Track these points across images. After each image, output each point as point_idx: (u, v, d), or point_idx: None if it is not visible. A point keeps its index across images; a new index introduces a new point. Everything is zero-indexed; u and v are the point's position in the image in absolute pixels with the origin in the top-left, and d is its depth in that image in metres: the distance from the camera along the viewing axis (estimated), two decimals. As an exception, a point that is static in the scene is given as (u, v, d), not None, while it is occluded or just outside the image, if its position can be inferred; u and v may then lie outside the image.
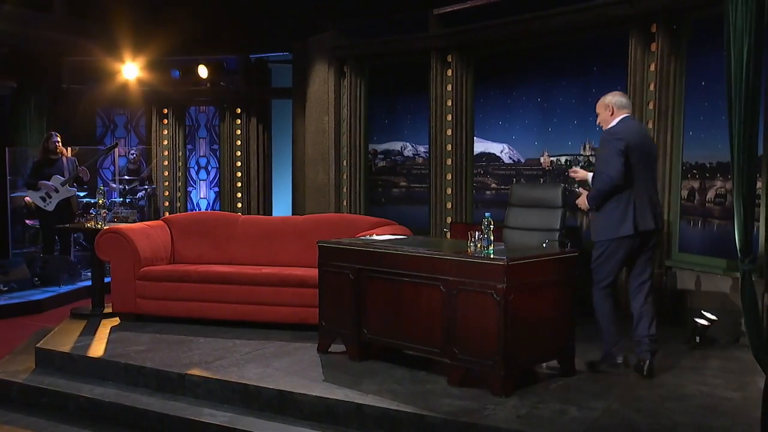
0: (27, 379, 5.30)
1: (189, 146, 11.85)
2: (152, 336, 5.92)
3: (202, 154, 11.90)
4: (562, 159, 7.63)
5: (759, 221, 5.35)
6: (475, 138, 8.44)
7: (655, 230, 4.87)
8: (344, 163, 9.43)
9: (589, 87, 7.35)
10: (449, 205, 8.54)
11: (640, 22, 6.65)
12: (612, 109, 4.93)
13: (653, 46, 6.59)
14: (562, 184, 6.68)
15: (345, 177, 9.43)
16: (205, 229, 7.04)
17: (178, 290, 6.33)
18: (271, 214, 11.35)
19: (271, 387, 4.57)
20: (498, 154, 8.30)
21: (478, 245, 4.57)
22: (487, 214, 4.71)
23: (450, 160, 8.49)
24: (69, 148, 9.41)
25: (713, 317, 5.60)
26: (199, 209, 11.77)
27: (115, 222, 7.27)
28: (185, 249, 6.95)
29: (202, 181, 11.94)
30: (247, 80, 11.41)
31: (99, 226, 6.94)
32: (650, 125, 6.60)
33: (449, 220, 8.48)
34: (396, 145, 9.34)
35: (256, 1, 10.87)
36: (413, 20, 8.70)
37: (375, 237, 5.59)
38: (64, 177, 8.75)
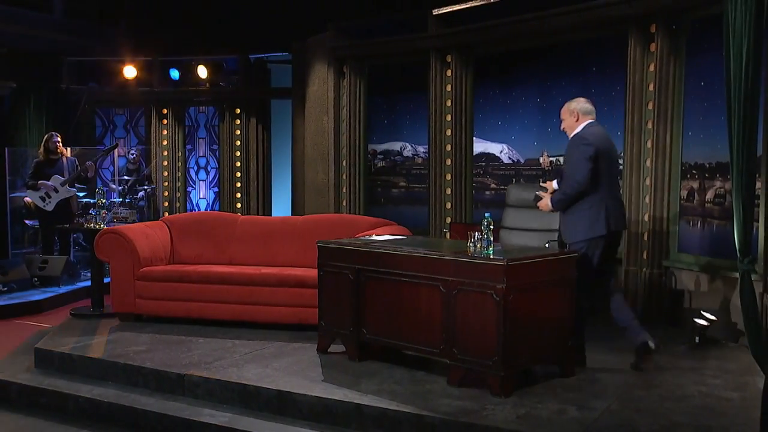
0: (26, 379, 5.29)
1: (188, 146, 11.86)
2: (151, 336, 5.92)
3: (201, 154, 11.91)
4: (562, 159, 7.62)
5: (758, 221, 5.35)
6: (474, 138, 8.44)
7: (622, 231, 5.14)
8: (344, 164, 9.43)
9: (588, 87, 7.34)
10: (449, 206, 8.54)
11: (639, 22, 6.65)
12: (577, 115, 5.06)
13: (653, 47, 6.59)
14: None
15: (344, 177, 9.43)
16: (204, 230, 7.04)
17: (177, 290, 6.33)
18: (271, 215, 11.35)
19: (270, 387, 4.57)
20: (497, 154, 8.30)
21: (478, 245, 4.57)
22: (486, 215, 4.71)
23: (449, 160, 8.49)
24: (68, 148, 9.41)
25: (713, 317, 5.60)
26: (199, 209, 11.77)
27: (114, 222, 7.26)
28: (185, 249, 6.95)
29: (201, 182, 11.95)
30: (246, 80, 11.42)
31: (98, 227, 6.95)
32: (650, 125, 6.61)
33: (449, 220, 8.48)
34: (395, 145, 9.34)
35: (255, 2, 10.87)
36: (412, 20, 8.71)
37: (374, 237, 5.59)
38: (63, 177, 8.75)
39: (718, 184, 6.09)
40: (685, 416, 4.05)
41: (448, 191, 8.53)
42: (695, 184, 6.35)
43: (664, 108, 6.50)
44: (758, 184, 5.24)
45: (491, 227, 4.65)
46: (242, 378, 4.76)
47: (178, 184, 11.71)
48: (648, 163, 6.63)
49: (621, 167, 7.00)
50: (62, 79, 11.27)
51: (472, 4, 8.02)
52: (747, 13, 3.91)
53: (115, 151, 10.84)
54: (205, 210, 11.73)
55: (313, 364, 5.09)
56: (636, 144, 6.72)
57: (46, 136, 8.98)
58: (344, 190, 9.44)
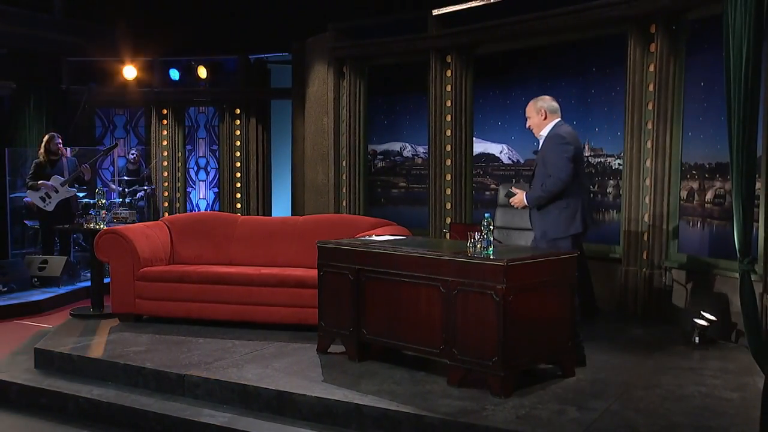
0: (26, 379, 5.29)
1: (188, 147, 11.86)
2: (151, 336, 5.92)
3: (201, 154, 11.91)
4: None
5: (758, 222, 5.35)
6: (474, 138, 8.44)
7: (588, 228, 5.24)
8: (343, 164, 9.44)
9: (588, 87, 7.36)
10: (448, 206, 8.54)
11: (639, 22, 6.66)
12: (545, 114, 5.16)
13: (652, 47, 6.59)
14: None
15: (344, 177, 9.43)
16: (204, 230, 7.03)
17: (177, 291, 6.33)
18: (271, 215, 11.36)
19: (270, 387, 4.57)
20: (497, 154, 8.30)
21: (478, 246, 4.57)
22: (486, 215, 4.71)
23: (449, 160, 8.50)
24: (69, 149, 9.40)
25: (712, 317, 5.61)
26: (199, 210, 11.78)
27: (114, 223, 7.26)
28: (184, 249, 6.95)
29: (201, 182, 11.95)
30: (246, 81, 11.43)
31: (98, 227, 6.95)
32: (649, 126, 6.61)
33: (449, 220, 8.48)
34: (395, 146, 9.34)
35: (255, 2, 10.88)
36: (412, 21, 8.71)
37: (374, 237, 5.59)
38: (64, 177, 8.75)
39: (717, 184, 6.09)
40: (685, 416, 4.05)
41: (448, 191, 8.53)
42: (695, 185, 6.35)
43: (664, 108, 6.50)
44: (758, 185, 5.24)
45: (491, 227, 4.66)
46: (242, 378, 4.76)
47: (178, 184, 11.72)
48: (648, 163, 6.63)
49: (621, 167, 7.04)
50: (62, 79, 11.28)
51: (472, 5, 8.02)
52: (747, 13, 3.91)
53: (115, 151, 10.84)
54: (205, 210, 11.73)
55: (313, 365, 5.09)
56: (636, 144, 6.72)
57: (47, 136, 8.96)
58: (344, 191, 9.44)
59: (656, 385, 4.59)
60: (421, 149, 9.06)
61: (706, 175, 6.23)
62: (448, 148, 8.49)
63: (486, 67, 8.34)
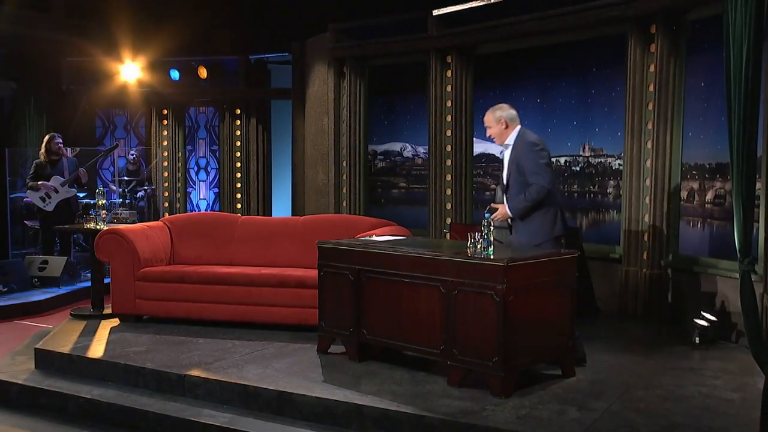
0: (26, 379, 5.29)
1: (188, 147, 11.87)
2: (152, 337, 5.92)
3: (201, 154, 11.92)
4: (562, 160, 7.63)
5: (758, 222, 5.35)
6: (474, 139, 8.44)
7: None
8: (344, 164, 9.44)
9: (588, 88, 7.35)
10: (449, 206, 8.54)
11: (639, 22, 6.65)
12: (505, 123, 5.12)
13: (653, 47, 6.59)
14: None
15: (344, 178, 9.43)
16: (204, 230, 7.03)
17: (177, 291, 6.33)
18: (271, 215, 11.36)
19: (270, 388, 4.57)
20: (497, 154, 8.29)
21: (478, 246, 4.57)
22: (486, 215, 4.72)
23: (449, 160, 8.50)
24: (69, 149, 9.40)
25: (713, 318, 5.61)
26: (199, 210, 11.78)
27: (114, 223, 7.26)
28: (185, 250, 6.95)
29: (201, 182, 11.96)
30: (246, 81, 11.43)
31: (98, 227, 6.95)
32: (650, 126, 6.61)
33: (449, 220, 8.48)
34: (395, 146, 9.34)
35: (255, 2, 10.89)
36: (412, 21, 8.71)
37: (374, 238, 5.59)
38: (64, 177, 8.75)
39: (718, 184, 6.09)
40: (685, 417, 4.05)
41: (448, 192, 8.53)
42: (695, 185, 6.35)
43: (664, 108, 6.50)
44: (758, 185, 5.25)
45: (491, 228, 4.66)
46: (242, 378, 4.76)
47: (178, 184, 11.72)
48: (648, 163, 6.63)
49: (621, 167, 7.03)
50: (62, 79, 11.27)
51: (473, 5, 8.02)
52: (747, 13, 3.91)
53: (115, 151, 10.85)
54: (206, 210, 11.73)
55: (313, 365, 5.09)
56: (636, 144, 6.72)
57: (47, 137, 8.96)
58: (344, 191, 9.44)
59: (656, 386, 4.59)
60: (421, 149, 9.06)
61: (707, 176, 6.23)
62: (449, 148, 8.49)
63: (486, 67, 8.34)
